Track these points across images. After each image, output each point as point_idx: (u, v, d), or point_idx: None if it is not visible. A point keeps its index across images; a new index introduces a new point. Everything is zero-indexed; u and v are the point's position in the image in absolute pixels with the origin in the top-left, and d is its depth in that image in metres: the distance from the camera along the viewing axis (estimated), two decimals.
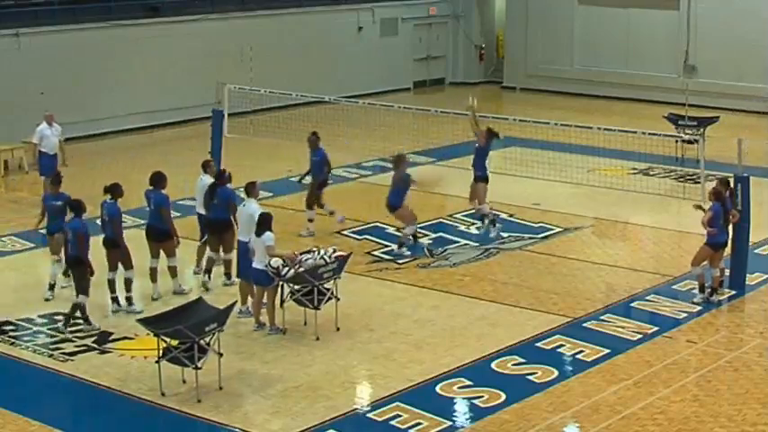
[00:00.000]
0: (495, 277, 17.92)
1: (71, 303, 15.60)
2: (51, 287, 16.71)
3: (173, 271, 16.83)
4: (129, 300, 16.29)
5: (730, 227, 16.83)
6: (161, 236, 16.64)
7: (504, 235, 20.00)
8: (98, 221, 16.47)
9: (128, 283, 16.28)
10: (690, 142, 24.82)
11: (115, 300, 16.26)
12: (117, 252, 16.17)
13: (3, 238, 19.87)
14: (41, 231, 17.61)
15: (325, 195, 20.03)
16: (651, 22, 34.06)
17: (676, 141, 25.40)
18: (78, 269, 15.46)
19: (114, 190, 16.18)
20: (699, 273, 16.70)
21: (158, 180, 16.79)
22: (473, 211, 20.48)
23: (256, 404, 13.30)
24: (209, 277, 17.15)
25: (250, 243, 15.36)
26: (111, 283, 16.23)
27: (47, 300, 16.54)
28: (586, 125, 24.22)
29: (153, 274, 16.72)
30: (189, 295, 16.41)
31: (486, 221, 20.12)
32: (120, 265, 16.26)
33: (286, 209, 21.11)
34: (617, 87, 34.22)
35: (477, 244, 19.65)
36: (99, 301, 15.99)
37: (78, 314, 15.52)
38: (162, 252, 16.72)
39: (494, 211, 20.28)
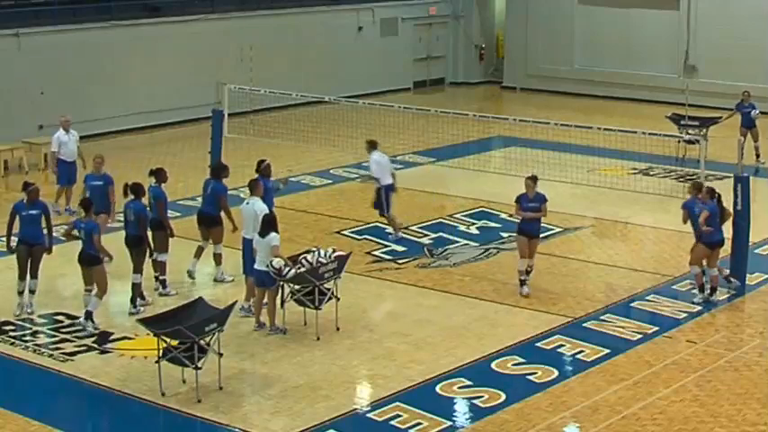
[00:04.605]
0: (495, 277, 17.91)
1: (131, 283, 16.10)
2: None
3: (217, 258, 17.34)
4: (163, 282, 16.85)
5: (727, 226, 16.85)
6: (212, 222, 17.19)
7: (505, 235, 19.99)
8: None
9: (162, 266, 16.83)
10: (691, 142, 24.81)
11: (163, 282, 16.86)
12: (163, 233, 16.65)
13: (2, 238, 19.82)
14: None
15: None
16: (651, 22, 34.05)
17: (678, 141, 25.38)
18: (138, 248, 16.06)
19: (159, 174, 16.90)
20: (698, 272, 16.70)
21: (220, 170, 17.51)
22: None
23: (256, 404, 13.30)
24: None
25: (254, 242, 15.39)
26: (162, 265, 16.83)
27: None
28: (586, 125, 24.21)
29: (198, 251, 17.37)
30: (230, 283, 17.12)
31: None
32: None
33: (286, 209, 21.09)
34: (617, 87, 34.21)
35: (477, 244, 19.65)
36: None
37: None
38: (210, 239, 17.31)
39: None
